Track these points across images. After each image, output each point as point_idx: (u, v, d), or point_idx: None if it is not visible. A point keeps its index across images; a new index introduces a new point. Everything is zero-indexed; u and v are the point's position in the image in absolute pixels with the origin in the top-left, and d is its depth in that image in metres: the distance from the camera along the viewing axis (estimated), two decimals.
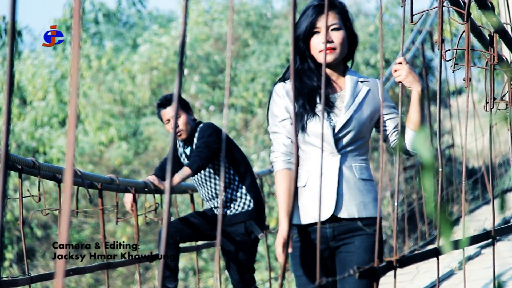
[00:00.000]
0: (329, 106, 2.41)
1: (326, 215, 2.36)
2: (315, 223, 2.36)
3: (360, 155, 2.41)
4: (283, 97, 2.39)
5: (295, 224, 2.40)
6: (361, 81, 2.44)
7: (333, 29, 2.37)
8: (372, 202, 2.39)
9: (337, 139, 2.38)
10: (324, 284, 2.38)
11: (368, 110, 2.42)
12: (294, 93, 1.43)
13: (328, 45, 2.36)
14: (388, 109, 2.46)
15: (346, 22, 2.41)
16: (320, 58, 2.38)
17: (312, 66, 2.41)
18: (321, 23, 2.36)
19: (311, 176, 2.38)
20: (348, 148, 2.39)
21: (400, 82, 2.37)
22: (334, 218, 2.38)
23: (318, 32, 2.37)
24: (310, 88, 2.39)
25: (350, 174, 2.37)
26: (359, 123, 2.40)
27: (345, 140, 2.39)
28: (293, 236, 2.41)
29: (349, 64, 2.51)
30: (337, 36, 2.37)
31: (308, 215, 2.38)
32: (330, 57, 2.37)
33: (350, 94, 2.41)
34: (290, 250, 2.36)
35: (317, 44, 2.37)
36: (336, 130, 2.38)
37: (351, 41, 2.43)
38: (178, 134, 4.19)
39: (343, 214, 2.36)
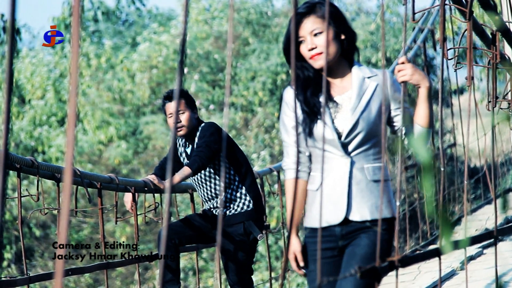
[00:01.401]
0: (335, 109, 2.38)
1: (338, 218, 2.36)
2: (327, 227, 2.38)
3: (373, 155, 2.37)
4: (291, 105, 2.40)
5: (309, 227, 2.43)
6: (368, 77, 2.40)
7: (316, 34, 2.36)
8: (385, 203, 2.37)
9: (346, 143, 2.36)
10: (332, 281, 2.38)
11: (377, 107, 2.38)
12: (295, 98, 1.41)
13: (314, 52, 2.35)
14: (398, 103, 2.41)
15: (333, 21, 2.37)
16: (312, 64, 2.38)
17: (302, 74, 2.40)
18: (303, 31, 2.36)
19: (323, 180, 2.37)
20: (359, 150, 2.36)
21: (404, 81, 2.33)
22: (345, 221, 2.37)
23: (304, 40, 2.37)
24: (310, 94, 2.39)
25: (362, 176, 2.35)
26: (368, 123, 2.36)
27: (355, 142, 2.36)
28: (306, 233, 2.45)
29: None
30: (322, 40, 2.35)
31: (318, 219, 2.38)
32: (321, 62, 2.36)
33: (356, 95, 2.37)
34: (301, 263, 2.40)
35: (305, 52, 2.38)
36: (344, 135, 2.36)
37: (346, 37, 2.39)
38: (179, 129, 4.17)
39: (355, 217, 2.36)
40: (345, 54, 2.41)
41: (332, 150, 2.36)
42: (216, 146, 4.07)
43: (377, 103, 2.38)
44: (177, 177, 4.01)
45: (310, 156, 2.41)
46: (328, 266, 2.40)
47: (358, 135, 2.36)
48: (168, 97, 4.20)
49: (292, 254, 2.40)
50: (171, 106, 4.19)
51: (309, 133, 2.36)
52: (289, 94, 2.41)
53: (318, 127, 2.36)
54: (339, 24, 2.38)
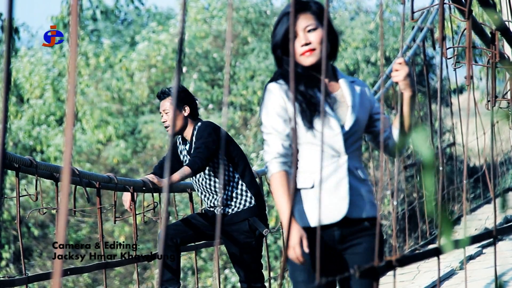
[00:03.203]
0: (334, 104, 2.38)
1: (338, 216, 2.33)
2: (325, 226, 2.33)
3: (359, 156, 2.41)
4: (281, 97, 2.34)
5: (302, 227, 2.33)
6: (352, 81, 2.44)
7: (309, 30, 2.35)
8: (375, 203, 2.39)
9: (346, 139, 2.36)
10: (329, 285, 2.36)
11: (365, 111, 2.41)
12: (293, 95, 1.40)
13: (307, 47, 2.34)
14: (378, 109, 2.46)
15: (323, 21, 2.37)
16: (302, 61, 2.36)
17: (298, 70, 2.39)
18: (296, 27, 2.35)
19: (317, 176, 2.33)
20: (352, 149, 2.38)
21: (396, 82, 2.37)
22: (343, 220, 2.35)
23: (296, 36, 2.35)
24: (304, 87, 2.36)
25: (356, 175, 2.36)
26: (361, 124, 2.39)
27: (351, 141, 2.37)
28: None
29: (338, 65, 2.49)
30: (315, 36, 2.35)
31: (313, 218, 2.32)
32: (312, 59, 2.35)
33: (351, 94, 2.39)
34: (306, 250, 2.26)
35: (297, 48, 2.36)
36: (346, 130, 2.36)
37: (331, 38, 2.39)
38: (167, 128, 4.32)
39: (355, 215, 2.34)
40: (330, 54, 2.41)
41: (333, 146, 2.34)
42: (214, 146, 4.08)
43: (364, 107, 2.41)
44: (177, 175, 4.02)
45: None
46: (326, 269, 2.37)
47: (355, 133, 2.37)
48: (158, 96, 4.30)
49: (298, 239, 2.22)
50: (161, 105, 4.29)
51: (310, 127, 2.31)
52: (275, 86, 2.35)
53: (319, 121, 2.32)
54: (328, 25, 2.38)
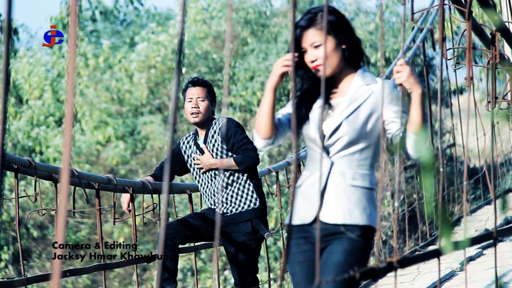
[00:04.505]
0: (328, 112, 2.44)
1: (309, 217, 2.39)
2: (305, 227, 2.40)
3: (359, 161, 2.39)
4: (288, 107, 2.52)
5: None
6: (367, 84, 2.42)
7: (315, 47, 2.40)
8: (360, 210, 2.35)
9: (328, 145, 2.39)
10: (311, 283, 2.40)
11: (367, 114, 2.39)
12: (293, 99, 1.39)
13: (314, 64, 2.40)
14: (395, 112, 2.41)
15: (334, 32, 2.39)
16: (315, 73, 2.43)
17: (300, 84, 2.48)
18: (304, 43, 2.41)
19: (307, 178, 2.42)
20: (343, 153, 2.39)
21: (400, 84, 2.35)
22: (316, 221, 2.39)
23: (305, 51, 2.42)
24: (299, 102, 2.45)
25: (340, 180, 2.37)
26: (354, 128, 2.38)
27: (339, 145, 2.39)
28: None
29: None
30: (321, 52, 2.39)
31: (296, 216, 2.42)
32: (320, 73, 2.41)
33: (347, 100, 2.41)
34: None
35: (307, 62, 2.42)
36: (327, 136, 2.39)
37: (347, 46, 2.41)
38: (195, 115, 4.16)
39: (326, 218, 2.37)
40: (349, 61, 2.42)
41: (317, 150, 2.41)
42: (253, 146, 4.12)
43: (368, 110, 2.40)
44: (225, 161, 4.06)
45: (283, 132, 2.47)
46: (308, 269, 2.40)
47: (342, 138, 2.38)
48: (193, 82, 4.21)
49: (279, 63, 2.36)
50: (192, 92, 4.19)
51: (299, 132, 2.44)
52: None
53: (306, 126, 2.43)
54: (340, 34, 2.40)
